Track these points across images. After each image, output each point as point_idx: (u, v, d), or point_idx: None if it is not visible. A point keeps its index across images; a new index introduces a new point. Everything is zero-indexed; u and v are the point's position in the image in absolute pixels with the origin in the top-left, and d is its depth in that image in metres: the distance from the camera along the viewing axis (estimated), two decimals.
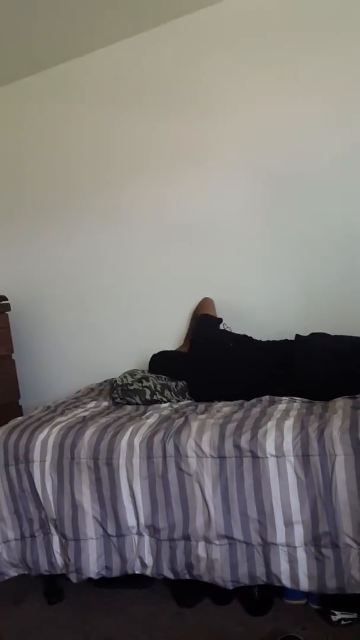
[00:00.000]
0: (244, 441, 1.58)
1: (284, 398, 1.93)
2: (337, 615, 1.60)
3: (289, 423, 1.60)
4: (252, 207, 2.53)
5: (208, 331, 2.40)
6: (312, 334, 2.21)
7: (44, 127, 2.87)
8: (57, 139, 2.86)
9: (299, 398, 1.91)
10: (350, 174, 2.35)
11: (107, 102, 2.74)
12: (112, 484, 1.69)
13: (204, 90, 2.55)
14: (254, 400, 1.96)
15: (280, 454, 1.54)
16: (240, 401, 1.98)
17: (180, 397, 2.17)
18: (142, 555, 1.68)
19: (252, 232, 2.54)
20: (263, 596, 1.70)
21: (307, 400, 1.89)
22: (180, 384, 2.22)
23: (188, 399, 2.18)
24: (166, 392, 2.14)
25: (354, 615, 1.60)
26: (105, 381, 2.60)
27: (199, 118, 2.56)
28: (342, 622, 1.59)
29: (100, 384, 2.56)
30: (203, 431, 1.65)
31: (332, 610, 1.61)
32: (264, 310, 2.53)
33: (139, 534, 1.68)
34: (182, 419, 1.78)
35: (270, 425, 1.61)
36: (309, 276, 2.47)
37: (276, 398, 1.95)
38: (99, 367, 2.79)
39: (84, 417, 1.95)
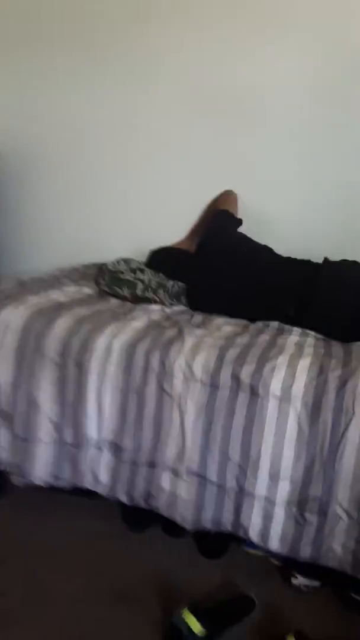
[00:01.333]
0: (246, 373, 1.30)
1: (295, 328, 1.63)
2: (298, 580, 1.42)
3: (304, 363, 1.31)
4: (313, 90, 2.04)
5: (223, 231, 2.02)
6: (344, 261, 1.86)
7: None
8: None
9: (313, 332, 1.61)
10: None
11: None
12: (78, 388, 1.42)
13: None
14: (260, 324, 1.65)
15: (286, 398, 1.26)
16: (245, 322, 1.68)
17: (175, 301, 1.85)
18: (97, 472, 1.45)
19: (301, 123, 2.08)
20: (219, 538, 1.51)
21: (322, 337, 1.60)
22: (177, 285, 1.89)
23: (183, 305, 1.86)
24: (160, 291, 1.82)
25: (317, 584, 1.42)
26: (94, 264, 2.25)
27: None
28: (302, 588, 1.42)
29: (87, 266, 2.22)
30: (198, 350, 1.36)
31: (293, 573, 1.44)
32: (294, 223, 2.14)
33: (99, 448, 1.44)
34: (175, 329, 1.47)
35: (282, 360, 1.32)
36: (353, 194, 2.07)
37: (286, 327, 1.64)
38: (88, 247, 2.41)
39: (60, 302, 1.63)
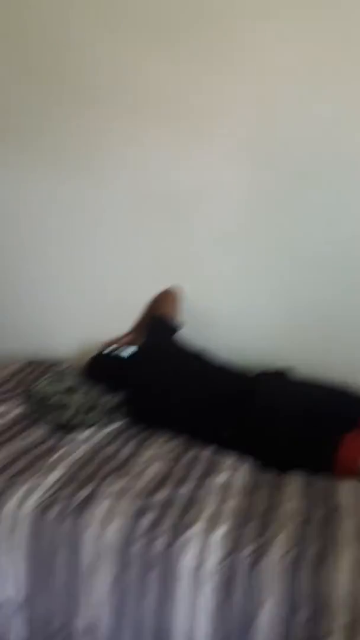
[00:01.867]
0: (157, 549, 1.23)
1: (230, 456, 1.57)
2: None
3: (217, 534, 1.24)
4: (247, 192, 1.99)
5: (158, 339, 1.97)
6: (279, 373, 1.80)
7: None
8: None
9: (247, 459, 1.55)
10: None
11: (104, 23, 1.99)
12: None
13: (229, 23, 1.86)
14: (194, 452, 1.58)
15: (196, 578, 1.19)
16: (181, 443, 1.63)
17: (111, 418, 1.78)
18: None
19: (240, 222, 2.02)
20: None
21: (258, 464, 1.53)
22: (115, 399, 1.82)
23: (121, 419, 1.79)
24: (93, 413, 1.75)
25: None
26: (30, 364, 2.18)
27: (212, 59, 1.89)
28: None
29: (24, 367, 2.14)
30: (110, 518, 1.29)
31: None
32: (233, 320, 2.09)
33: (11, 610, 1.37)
34: (90, 487, 1.39)
35: (196, 530, 1.25)
36: (294, 290, 2.01)
37: (221, 456, 1.58)
38: (33, 336, 2.36)
39: None
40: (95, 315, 2.28)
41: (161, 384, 1.80)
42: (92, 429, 1.71)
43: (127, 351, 2.06)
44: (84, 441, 1.64)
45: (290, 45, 1.82)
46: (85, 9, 1.99)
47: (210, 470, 1.50)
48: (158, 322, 2.03)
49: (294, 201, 1.95)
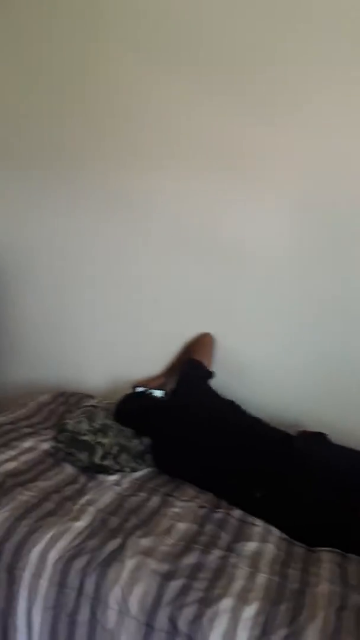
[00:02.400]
0: (184, 620, 1.18)
1: (257, 524, 1.52)
2: None
3: (249, 612, 1.19)
4: (292, 246, 1.99)
5: (191, 385, 1.94)
6: (319, 435, 1.76)
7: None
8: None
9: (276, 531, 1.50)
10: None
11: (143, 51, 2.05)
12: (7, 597, 1.31)
13: (282, 70, 1.89)
14: (221, 515, 1.54)
15: None
16: (208, 500, 1.59)
17: (139, 462, 1.75)
18: None
19: (283, 277, 2.02)
20: None
21: (284, 537, 1.48)
22: (143, 443, 1.79)
23: (147, 466, 1.76)
24: (122, 456, 1.72)
25: None
26: (62, 395, 2.16)
27: (264, 107, 1.92)
28: None
29: (56, 398, 2.13)
30: (136, 579, 1.25)
31: None
32: (268, 373, 2.07)
33: None
34: (119, 540, 1.36)
35: (225, 606, 1.20)
36: (331, 354, 1.99)
37: (249, 519, 1.53)
38: (64, 366, 2.35)
39: (7, 472, 1.54)
40: (128, 353, 2.28)
41: (190, 432, 1.77)
42: (120, 473, 1.68)
43: (157, 394, 2.05)
44: (112, 486, 1.61)
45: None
46: (139, 51, 2.04)
47: (239, 536, 1.46)
48: (191, 366, 2.01)
49: (338, 256, 1.95)
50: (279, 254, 2.01)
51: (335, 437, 1.75)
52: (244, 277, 2.07)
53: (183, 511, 1.53)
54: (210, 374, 1.99)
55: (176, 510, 1.54)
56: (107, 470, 1.67)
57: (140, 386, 2.09)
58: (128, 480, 1.66)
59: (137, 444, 1.79)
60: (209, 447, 1.72)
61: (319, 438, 1.75)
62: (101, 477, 1.65)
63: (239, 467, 1.67)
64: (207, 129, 1.99)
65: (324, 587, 1.29)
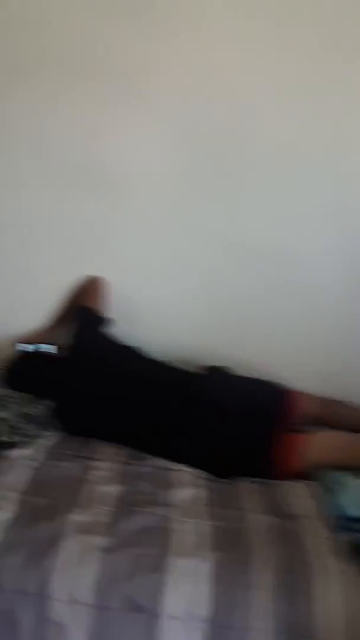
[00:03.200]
0: (143, 595, 1.11)
1: (183, 469, 1.50)
2: None
3: (206, 568, 1.16)
4: (175, 169, 1.83)
5: (86, 333, 1.79)
6: (220, 369, 1.77)
7: None
8: None
9: (200, 472, 1.50)
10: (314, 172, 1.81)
11: None
12: None
13: None
14: (146, 469, 1.48)
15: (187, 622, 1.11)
16: (128, 465, 1.50)
17: (48, 429, 1.59)
18: None
19: (171, 212, 1.88)
20: None
21: (210, 476, 1.49)
22: (44, 407, 1.62)
23: (55, 432, 1.61)
24: (29, 427, 1.54)
25: None
26: None
27: (146, 22, 1.68)
28: None
29: None
30: (82, 561, 1.14)
31: None
32: (160, 313, 1.97)
33: None
34: (53, 523, 1.22)
35: (181, 570, 1.15)
36: (222, 289, 1.95)
37: (173, 467, 1.50)
38: None
39: None
40: (5, 302, 2.01)
41: (96, 386, 1.65)
42: (30, 445, 1.51)
43: (47, 349, 1.86)
44: (26, 462, 1.44)
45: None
46: None
47: (170, 487, 1.42)
48: (85, 314, 1.84)
49: (223, 188, 1.86)
50: (166, 188, 1.85)
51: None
52: (132, 214, 1.89)
53: (108, 473, 1.45)
54: (105, 321, 1.84)
55: (101, 473, 1.44)
56: (16, 446, 1.49)
57: (25, 342, 1.87)
58: (41, 451, 1.51)
59: (42, 409, 1.61)
60: (117, 398, 1.63)
61: (221, 371, 1.76)
62: (11, 453, 1.46)
63: (150, 414, 1.61)
64: (88, 41, 1.71)
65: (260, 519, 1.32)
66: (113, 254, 1.94)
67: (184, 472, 1.49)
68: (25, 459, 1.45)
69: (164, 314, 1.97)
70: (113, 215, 1.89)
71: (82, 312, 1.84)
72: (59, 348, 1.81)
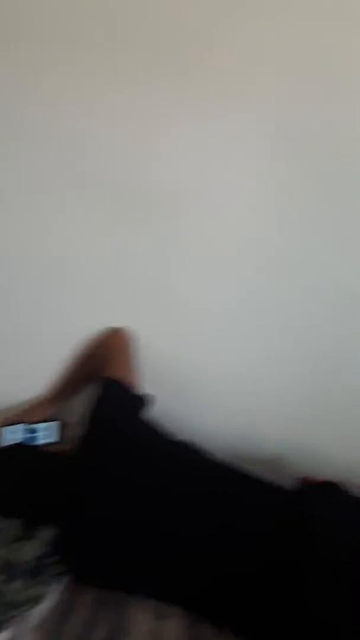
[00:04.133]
0: None
1: None
2: None
3: None
4: (263, 187, 1.25)
5: (119, 418, 1.18)
6: (329, 488, 1.14)
7: None
8: None
9: None
10: None
11: None
12: None
13: None
14: None
15: None
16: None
17: (41, 581, 0.99)
18: None
19: (248, 251, 1.30)
20: None
21: None
22: (40, 544, 1.03)
23: (54, 582, 1.01)
24: (11, 587, 0.94)
25: None
26: None
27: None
28: None
29: None
30: None
31: None
32: (219, 393, 1.37)
33: None
34: None
35: None
36: (320, 349, 1.33)
37: None
38: None
39: None
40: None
41: (128, 507, 1.04)
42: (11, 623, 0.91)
43: (45, 432, 1.29)
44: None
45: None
46: None
47: None
48: (110, 390, 1.23)
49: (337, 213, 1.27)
50: (247, 214, 1.27)
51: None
52: (193, 246, 1.31)
53: None
54: (142, 401, 1.24)
55: None
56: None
57: (13, 423, 1.30)
58: (29, 632, 0.91)
59: (32, 548, 1.02)
60: (164, 528, 1.02)
61: (336, 489, 1.13)
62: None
63: (220, 560, 1.00)
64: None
65: None
66: (153, 301, 1.35)
67: None
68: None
69: (234, 392, 1.37)
70: (160, 248, 1.31)
71: (105, 385, 1.24)
72: (64, 429, 1.23)
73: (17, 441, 1.26)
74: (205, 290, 1.32)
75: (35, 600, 0.96)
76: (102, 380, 1.24)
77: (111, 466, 1.09)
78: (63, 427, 1.32)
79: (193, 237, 1.29)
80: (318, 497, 1.07)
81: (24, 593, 0.94)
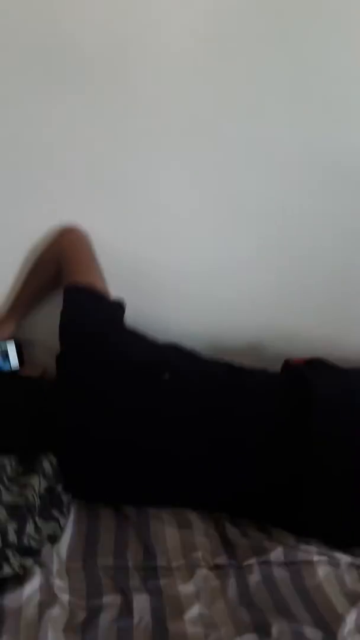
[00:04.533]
0: None
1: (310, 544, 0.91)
2: None
3: None
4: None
5: (96, 329, 1.04)
6: (318, 364, 1.13)
7: None
8: None
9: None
10: None
11: None
12: None
13: None
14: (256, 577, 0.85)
15: None
16: (222, 569, 0.87)
17: (48, 517, 0.90)
18: None
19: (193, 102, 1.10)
20: None
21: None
22: (39, 474, 0.93)
23: (66, 510, 0.93)
24: (26, 530, 0.84)
25: None
26: None
27: None
28: None
29: None
30: None
31: None
32: (205, 285, 1.26)
33: None
34: None
35: None
36: (291, 228, 1.22)
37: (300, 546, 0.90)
38: None
39: None
40: None
41: (126, 425, 0.97)
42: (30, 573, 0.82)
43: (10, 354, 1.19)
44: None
45: None
46: None
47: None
48: (79, 296, 1.07)
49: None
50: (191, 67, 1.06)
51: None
52: (133, 119, 1.09)
53: (197, 588, 0.81)
54: (116, 307, 1.09)
55: (190, 588, 0.81)
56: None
57: None
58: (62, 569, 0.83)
59: (37, 483, 0.92)
60: (170, 438, 0.96)
61: (324, 365, 1.11)
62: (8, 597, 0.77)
63: (236, 461, 0.96)
64: None
65: None
66: (105, 192, 1.16)
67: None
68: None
69: (201, 286, 1.27)
70: (95, 120, 1.09)
71: (73, 291, 1.07)
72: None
73: None
74: (160, 180, 1.16)
75: (54, 539, 0.88)
76: (66, 287, 1.08)
77: (99, 385, 0.99)
78: (23, 348, 1.20)
79: (122, 101, 1.09)
80: (316, 372, 1.06)
81: (40, 534, 0.85)
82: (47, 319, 1.19)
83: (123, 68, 1.06)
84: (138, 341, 1.06)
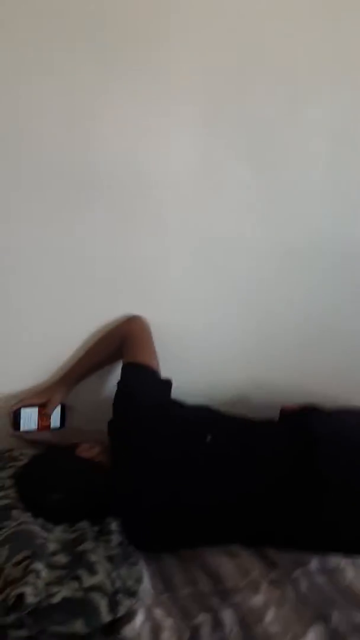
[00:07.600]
0: None
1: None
2: None
3: None
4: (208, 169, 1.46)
5: (152, 402, 1.28)
6: (313, 409, 1.39)
7: None
8: None
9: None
10: None
11: None
12: None
13: None
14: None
15: None
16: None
17: (130, 564, 1.09)
18: None
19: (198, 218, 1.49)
20: None
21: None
22: (114, 532, 1.13)
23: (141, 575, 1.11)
24: (121, 573, 1.03)
25: None
26: None
27: None
28: None
29: None
30: None
31: None
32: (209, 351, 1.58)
33: None
34: None
35: None
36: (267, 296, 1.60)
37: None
38: None
39: None
40: None
41: (181, 473, 1.19)
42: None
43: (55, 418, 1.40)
44: None
45: None
46: None
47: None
48: (136, 373, 1.32)
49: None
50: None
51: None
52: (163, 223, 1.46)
53: (265, 598, 1.03)
54: (168, 384, 1.35)
55: (260, 599, 1.02)
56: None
57: (26, 406, 1.37)
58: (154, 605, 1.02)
59: (116, 538, 1.11)
60: (212, 487, 1.19)
61: (312, 411, 1.36)
62: None
63: (264, 503, 1.19)
64: None
65: None
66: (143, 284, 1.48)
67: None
68: None
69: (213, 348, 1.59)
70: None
71: (129, 369, 1.32)
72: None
73: (32, 427, 1.35)
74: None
75: (140, 580, 1.06)
76: (127, 364, 1.32)
77: (154, 451, 1.21)
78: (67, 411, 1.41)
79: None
80: (315, 415, 1.34)
81: (131, 577, 1.04)
82: (86, 388, 1.42)
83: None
84: (181, 409, 1.30)
